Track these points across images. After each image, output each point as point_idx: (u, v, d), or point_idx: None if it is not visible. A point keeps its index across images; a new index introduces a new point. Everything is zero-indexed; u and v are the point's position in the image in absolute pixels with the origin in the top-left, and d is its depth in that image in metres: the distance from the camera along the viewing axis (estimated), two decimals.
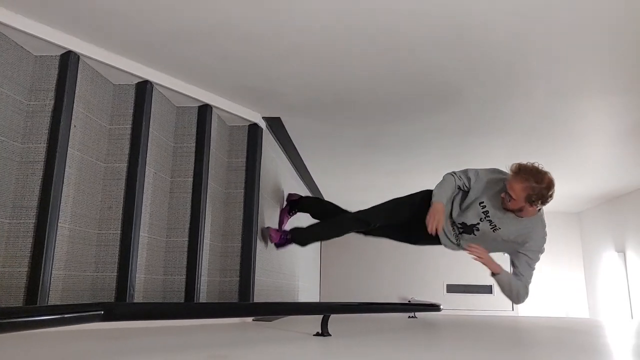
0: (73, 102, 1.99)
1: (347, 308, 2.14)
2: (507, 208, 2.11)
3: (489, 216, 2.19)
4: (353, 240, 6.16)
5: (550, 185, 2.01)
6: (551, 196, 2.03)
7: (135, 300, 2.07)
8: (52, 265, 1.82)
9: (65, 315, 1.07)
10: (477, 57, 2.18)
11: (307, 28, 1.96)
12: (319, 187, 5.04)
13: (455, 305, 5.98)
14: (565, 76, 2.38)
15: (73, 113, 1.99)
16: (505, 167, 2.14)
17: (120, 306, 1.46)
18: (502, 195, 2.10)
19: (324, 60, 2.25)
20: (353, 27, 1.95)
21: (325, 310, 1.83)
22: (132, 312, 1.25)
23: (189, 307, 1.75)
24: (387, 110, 2.90)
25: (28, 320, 0.99)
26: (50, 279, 1.80)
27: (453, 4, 1.77)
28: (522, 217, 2.13)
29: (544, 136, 3.33)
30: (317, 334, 1.76)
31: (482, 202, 2.20)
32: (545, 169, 2.05)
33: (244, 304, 2.29)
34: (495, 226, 2.18)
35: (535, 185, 1.98)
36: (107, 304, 1.40)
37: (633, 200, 5.05)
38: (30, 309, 1.33)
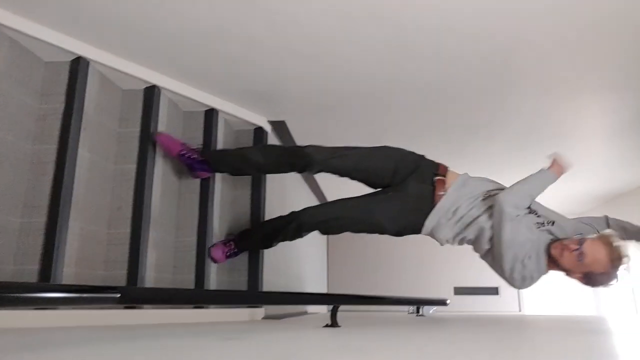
0: (83, 106, 2.04)
1: (357, 299, 2.14)
2: (557, 263, 1.92)
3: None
4: (360, 242, 6.23)
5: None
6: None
7: None
8: (63, 263, 1.84)
9: (83, 295, 1.09)
10: (469, 58, 2.22)
11: (311, 32, 2.02)
12: (322, 190, 5.06)
13: (462, 307, 6.06)
14: (558, 74, 2.41)
15: (83, 116, 2.04)
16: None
17: (135, 290, 1.48)
18: (572, 246, 1.81)
19: (328, 63, 2.30)
20: (356, 31, 2.00)
21: (335, 300, 1.84)
22: (146, 296, 1.27)
23: (202, 293, 1.76)
24: (389, 111, 2.95)
25: (46, 297, 1.01)
26: (62, 277, 1.82)
27: (446, 6, 1.83)
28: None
29: (540, 136, 3.36)
30: (327, 325, 1.79)
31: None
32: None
33: (255, 292, 2.26)
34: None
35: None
36: (123, 288, 1.42)
37: (633, 199, 5.06)
38: (49, 286, 1.34)
